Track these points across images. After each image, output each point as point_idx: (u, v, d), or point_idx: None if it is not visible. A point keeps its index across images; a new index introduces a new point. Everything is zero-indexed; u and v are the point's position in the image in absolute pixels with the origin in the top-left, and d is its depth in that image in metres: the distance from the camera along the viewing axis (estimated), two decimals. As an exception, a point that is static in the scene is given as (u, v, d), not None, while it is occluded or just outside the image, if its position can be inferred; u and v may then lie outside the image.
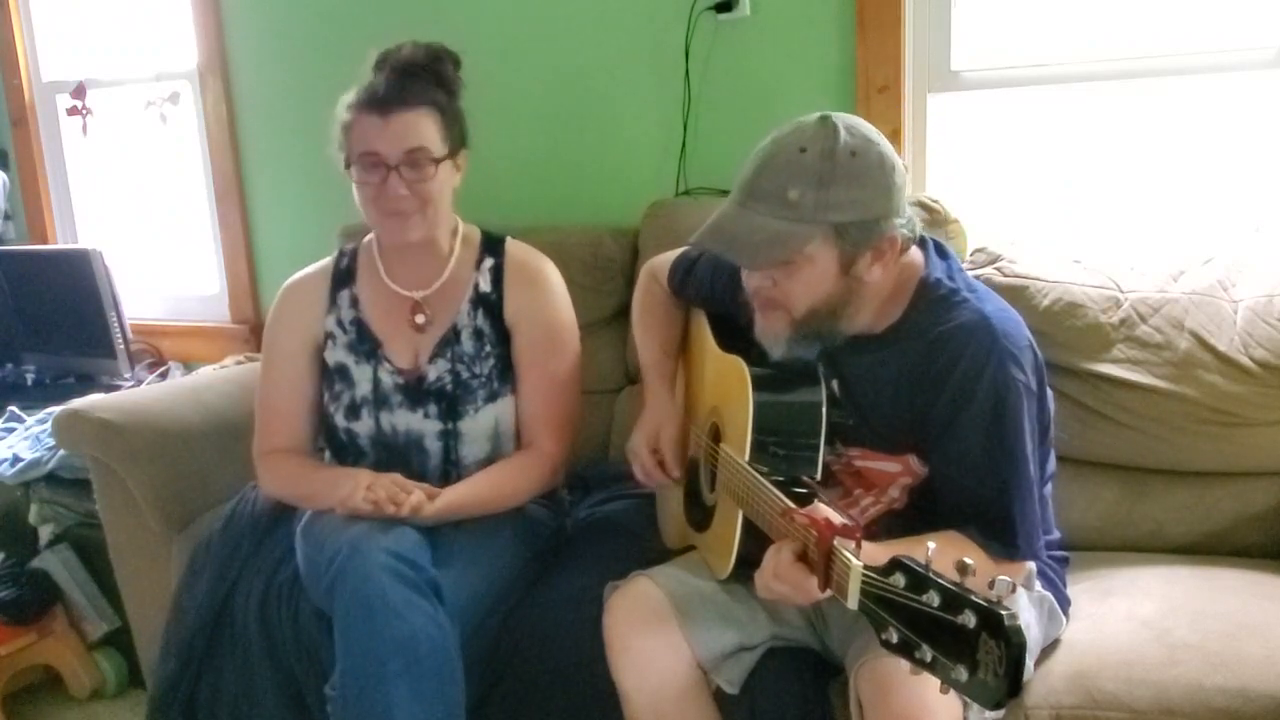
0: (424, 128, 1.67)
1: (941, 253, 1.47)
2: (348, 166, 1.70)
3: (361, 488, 1.62)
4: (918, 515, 1.42)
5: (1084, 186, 2.17)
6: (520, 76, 2.48)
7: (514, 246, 1.85)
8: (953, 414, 1.35)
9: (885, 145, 1.34)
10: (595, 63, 2.43)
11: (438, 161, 1.68)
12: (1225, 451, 1.76)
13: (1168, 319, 1.79)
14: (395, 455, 1.77)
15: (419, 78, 1.69)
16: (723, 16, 2.26)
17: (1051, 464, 1.53)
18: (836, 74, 2.19)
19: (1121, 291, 1.83)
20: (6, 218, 3.22)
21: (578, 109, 2.48)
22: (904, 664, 1.01)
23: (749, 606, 1.49)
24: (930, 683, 1.21)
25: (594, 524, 1.92)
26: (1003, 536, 1.34)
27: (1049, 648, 1.46)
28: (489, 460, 1.78)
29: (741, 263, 1.39)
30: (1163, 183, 2.10)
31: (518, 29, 2.49)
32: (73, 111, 3.13)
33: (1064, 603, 1.50)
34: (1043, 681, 1.39)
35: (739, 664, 1.47)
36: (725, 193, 2.24)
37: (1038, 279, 1.86)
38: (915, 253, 1.44)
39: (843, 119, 1.33)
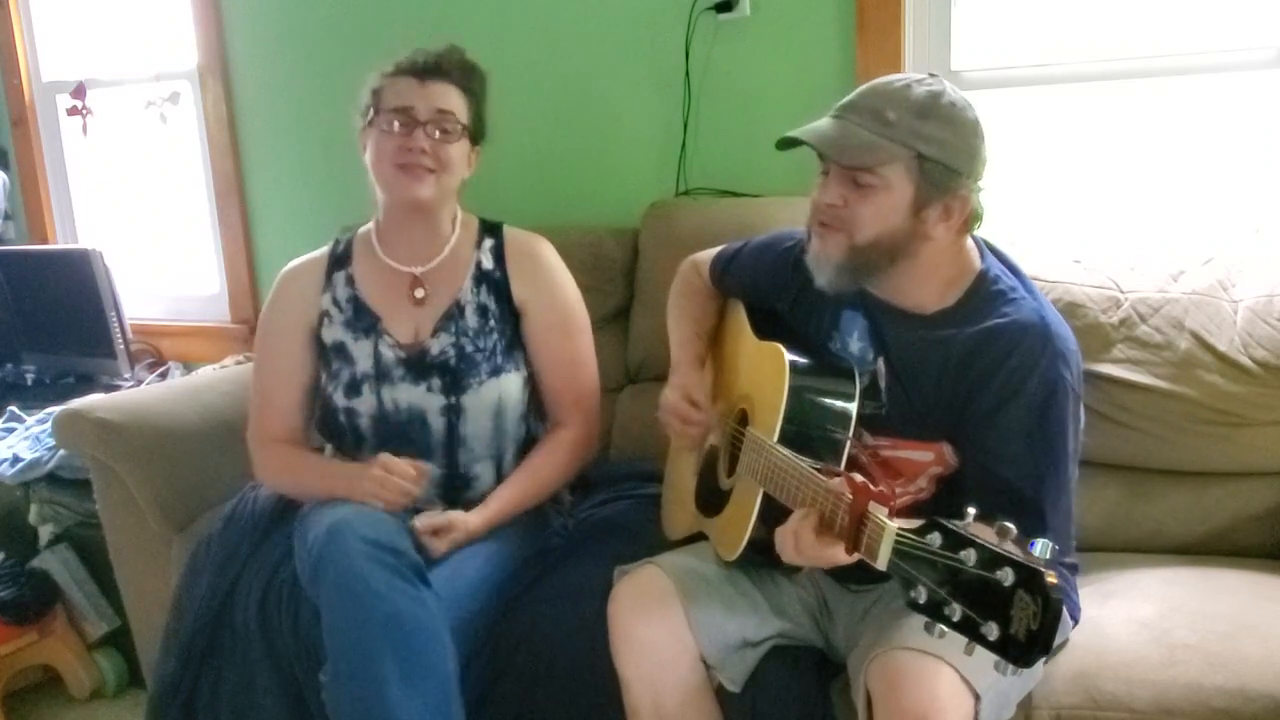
0: (455, 100, 1.74)
1: (997, 254, 1.51)
2: (369, 125, 1.74)
3: (374, 483, 1.65)
4: (945, 509, 1.42)
5: (1084, 186, 2.16)
6: (520, 77, 2.48)
7: (511, 230, 1.88)
8: (997, 405, 1.37)
9: (980, 120, 1.41)
10: (595, 63, 2.43)
11: (463, 129, 1.73)
12: (1225, 451, 1.76)
13: (1168, 319, 1.79)
14: (397, 433, 1.76)
15: (454, 67, 1.76)
16: (723, 16, 2.26)
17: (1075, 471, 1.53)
18: (836, 74, 2.19)
19: (1121, 291, 1.83)
20: (6, 218, 3.22)
21: (578, 109, 2.48)
22: (933, 627, 1.02)
23: (753, 600, 1.50)
24: (942, 678, 1.22)
25: (596, 524, 1.91)
26: (1033, 531, 1.33)
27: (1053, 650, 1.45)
28: (492, 438, 1.79)
29: (828, 151, 1.41)
30: (1163, 183, 2.10)
31: (518, 29, 2.49)
32: (73, 111, 3.12)
33: (1074, 610, 1.49)
34: (1043, 682, 1.39)
35: (742, 661, 1.47)
36: (725, 193, 2.29)
37: (1038, 279, 1.83)
38: (973, 247, 1.48)
39: (950, 84, 1.42)
